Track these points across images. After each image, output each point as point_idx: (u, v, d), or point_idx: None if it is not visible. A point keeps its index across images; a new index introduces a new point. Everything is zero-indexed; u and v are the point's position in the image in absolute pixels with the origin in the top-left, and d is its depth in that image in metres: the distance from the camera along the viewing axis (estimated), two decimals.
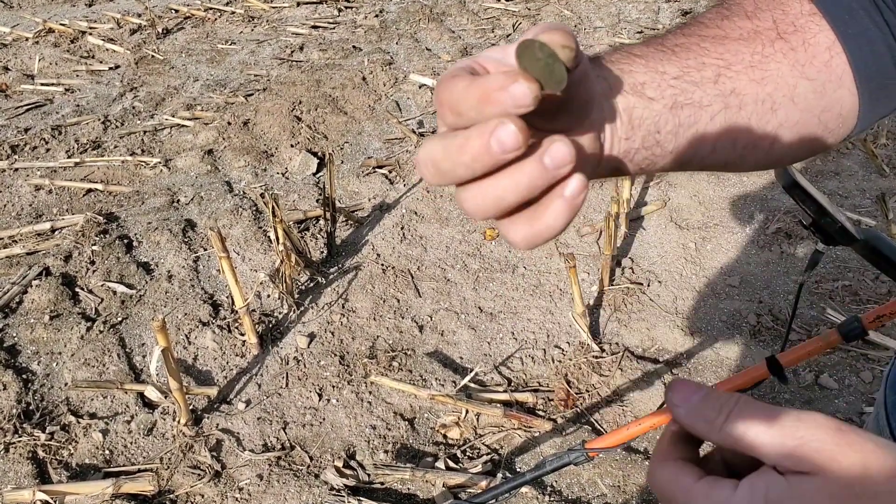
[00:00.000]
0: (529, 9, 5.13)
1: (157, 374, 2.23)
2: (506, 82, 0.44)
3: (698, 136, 0.62)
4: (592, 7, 5.14)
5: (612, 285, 2.62)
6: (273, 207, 2.47)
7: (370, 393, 2.30)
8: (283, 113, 3.90)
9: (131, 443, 2.16)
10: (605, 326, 2.48)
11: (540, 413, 2.20)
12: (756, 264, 2.75)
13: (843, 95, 0.66)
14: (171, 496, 2.01)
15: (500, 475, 2.00)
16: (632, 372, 2.28)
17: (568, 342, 2.42)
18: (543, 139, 0.46)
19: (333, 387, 2.33)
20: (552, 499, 1.95)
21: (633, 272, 2.70)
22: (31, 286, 2.76)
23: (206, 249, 2.96)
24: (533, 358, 2.39)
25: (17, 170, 3.56)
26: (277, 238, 2.53)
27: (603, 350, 2.36)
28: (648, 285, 2.64)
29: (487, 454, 2.09)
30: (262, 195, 3.06)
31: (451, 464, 2.06)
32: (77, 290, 2.76)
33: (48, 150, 3.73)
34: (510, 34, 4.77)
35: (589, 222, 2.96)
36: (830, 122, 0.67)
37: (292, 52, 4.70)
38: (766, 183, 3.13)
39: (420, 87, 4.12)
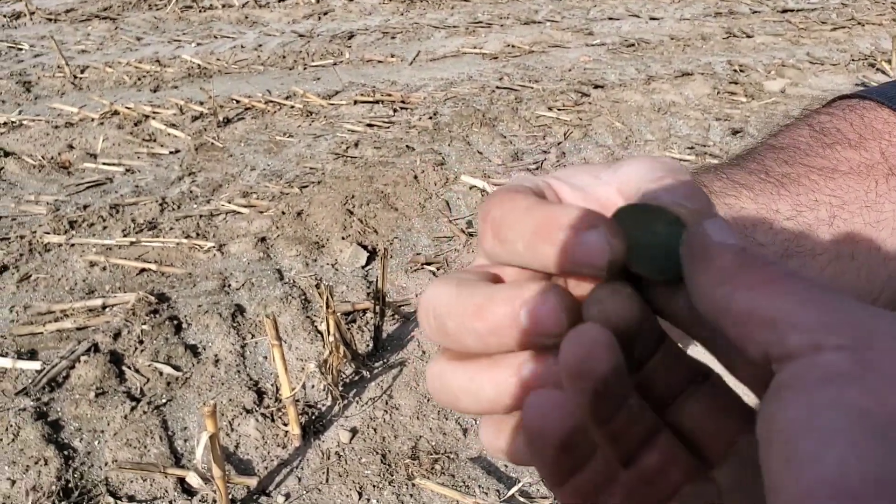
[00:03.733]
0: (581, 119, 5.24)
1: (202, 461, 2.20)
2: (581, 223, 0.33)
3: None
4: (644, 120, 5.24)
5: None
6: (327, 298, 2.48)
7: (411, 496, 2.25)
8: (335, 206, 3.96)
9: None
10: None
11: None
12: None
13: None
14: None
15: None
16: None
17: None
18: None
19: (374, 486, 2.28)
20: None
21: None
22: (80, 361, 2.78)
23: (253, 336, 2.97)
24: None
25: (73, 245, 3.64)
26: (328, 329, 2.53)
27: None
28: None
29: None
30: (316, 285, 3.07)
31: None
32: (124, 368, 2.77)
33: (105, 227, 3.82)
34: (560, 142, 4.86)
35: None
36: None
37: (347, 147, 4.82)
38: None
39: (470, 189, 4.19)
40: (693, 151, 4.66)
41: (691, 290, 0.32)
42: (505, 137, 4.96)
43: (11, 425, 2.48)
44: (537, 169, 4.44)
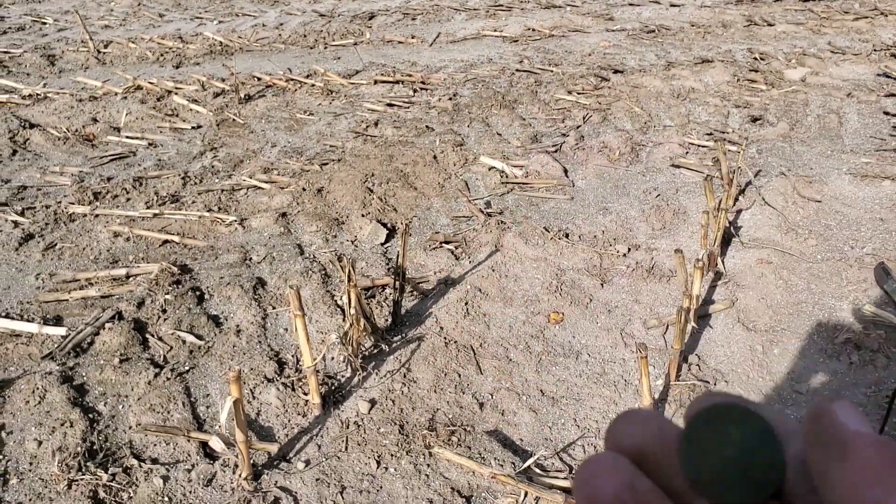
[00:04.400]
0: (600, 103, 5.24)
1: (226, 425, 2.26)
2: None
3: None
4: (662, 106, 5.24)
5: (679, 381, 2.60)
6: (349, 272, 2.52)
7: (428, 466, 2.29)
8: (355, 184, 4.00)
9: (190, 492, 2.17)
10: None
11: None
12: (824, 373, 2.71)
13: None
14: None
15: None
16: None
17: None
18: None
19: (392, 455, 2.33)
20: None
21: (699, 369, 2.67)
22: (104, 328, 2.84)
23: (274, 308, 3.02)
24: (595, 447, 2.36)
25: (97, 216, 3.70)
26: (350, 302, 2.57)
27: None
28: (715, 384, 2.61)
29: None
30: (339, 259, 3.12)
31: None
32: (147, 336, 2.83)
33: (129, 199, 3.87)
34: (580, 125, 4.87)
35: (655, 315, 2.96)
36: None
37: (367, 126, 4.85)
38: (834, 293, 3.11)
39: (489, 170, 4.21)
40: (711, 137, 4.66)
41: (823, 484, 0.29)
42: (524, 120, 4.97)
43: (38, 388, 2.54)
44: (556, 151, 4.45)
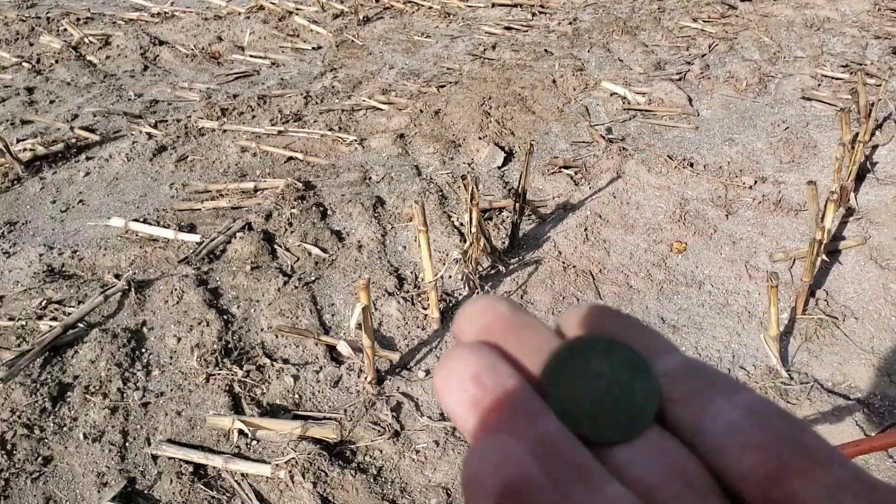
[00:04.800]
0: (727, 32, 5.02)
1: (353, 331, 2.34)
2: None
3: None
4: (794, 36, 4.97)
5: (805, 315, 2.53)
6: (472, 191, 2.53)
7: None
8: (472, 106, 3.99)
9: (318, 391, 2.28)
10: (795, 355, 2.40)
11: None
12: None
13: None
14: (353, 446, 2.10)
15: None
16: (821, 404, 2.20)
17: (754, 365, 2.36)
18: None
19: None
20: None
21: (827, 304, 2.59)
22: (235, 237, 2.96)
23: (392, 226, 3.08)
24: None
25: (225, 131, 3.83)
26: (471, 220, 2.59)
27: (791, 378, 2.28)
28: (843, 320, 2.53)
29: None
30: (462, 177, 3.14)
31: None
32: (276, 246, 2.94)
33: (254, 116, 3.98)
34: (705, 54, 4.68)
35: (782, 249, 2.87)
36: None
37: (485, 49, 4.81)
38: None
39: (611, 95, 4.12)
40: (847, 70, 4.41)
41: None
42: (647, 46, 4.82)
43: (176, 289, 2.69)
44: (680, 80, 4.31)
